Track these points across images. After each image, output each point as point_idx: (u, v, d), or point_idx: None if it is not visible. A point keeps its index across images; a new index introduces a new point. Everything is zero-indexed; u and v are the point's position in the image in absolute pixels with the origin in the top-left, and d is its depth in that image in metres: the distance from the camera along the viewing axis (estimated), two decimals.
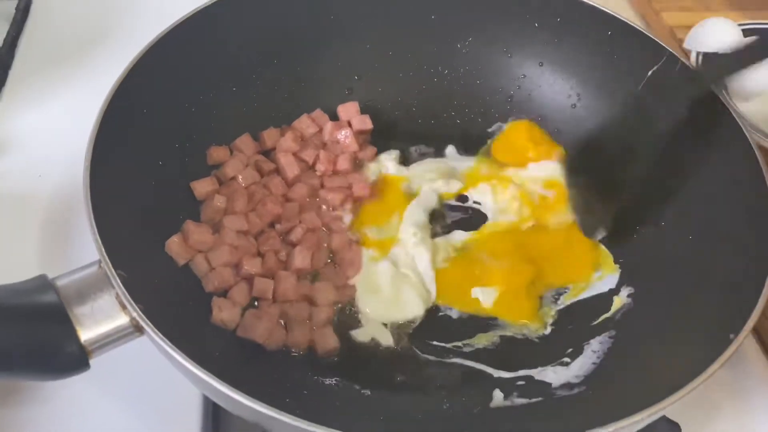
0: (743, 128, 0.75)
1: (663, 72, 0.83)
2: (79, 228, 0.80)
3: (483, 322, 0.77)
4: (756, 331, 0.82)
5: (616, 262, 0.81)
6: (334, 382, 0.71)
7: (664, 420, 0.69)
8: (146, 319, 0.57)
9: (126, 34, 1.05)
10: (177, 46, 0.80)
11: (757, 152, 0.73)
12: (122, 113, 0.73)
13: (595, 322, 0.77)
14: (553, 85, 0.91)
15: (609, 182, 0.82)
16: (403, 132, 0.92)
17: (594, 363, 0.73)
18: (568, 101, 0.91)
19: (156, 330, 0.57)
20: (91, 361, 0.59)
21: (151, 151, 0.77)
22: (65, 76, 1.01)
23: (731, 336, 0.62)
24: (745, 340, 0.62)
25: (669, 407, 0.58)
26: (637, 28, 0.85)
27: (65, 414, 0.68)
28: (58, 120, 0.95)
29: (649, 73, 0.84)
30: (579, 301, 0.79)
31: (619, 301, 0.78)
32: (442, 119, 0.93)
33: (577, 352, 0.74)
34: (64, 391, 0.60)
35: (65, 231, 0.83)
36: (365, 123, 0.89)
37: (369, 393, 0.70)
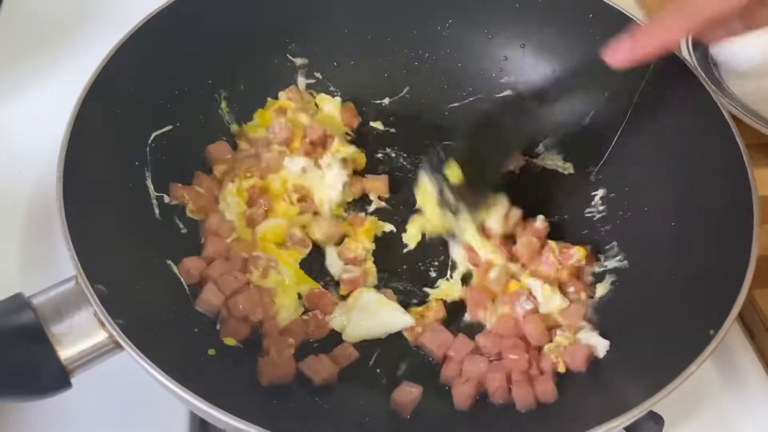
0: (728, 121, 0.75)
1: None
2: None
3: None
4: (741, 317, 0.82)
5: (603, 242, 0.81)
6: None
7: (648, 412, 0.69)
8: (125, 337, 0.57)
9: (105, 20, 1.03)
10: (154, 36, 0.78)
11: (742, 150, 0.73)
12: (96, 113, 0.71)
13: None
14: (536, 68, 0.90)
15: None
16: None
17: None
18: None
19: (135, 348, 0.57)
20: (73, 380, 0.59)
21: (126, 151, 0.76)
22: (44, 66, 0.98)
23: (711, 332, 0.62)
24: (729, 329, 0.62)
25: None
26: (620, 10, 0.83)
27: (50, 425, 0.68)
28: (37, 112, 0.93)
29: None
30: None
31: (603, 288, 0.78)
32: (422, 104, 0.92)
33: None
34: (48, 401, 0.60)
35: (47, 231, 0.82)
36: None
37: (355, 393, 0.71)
